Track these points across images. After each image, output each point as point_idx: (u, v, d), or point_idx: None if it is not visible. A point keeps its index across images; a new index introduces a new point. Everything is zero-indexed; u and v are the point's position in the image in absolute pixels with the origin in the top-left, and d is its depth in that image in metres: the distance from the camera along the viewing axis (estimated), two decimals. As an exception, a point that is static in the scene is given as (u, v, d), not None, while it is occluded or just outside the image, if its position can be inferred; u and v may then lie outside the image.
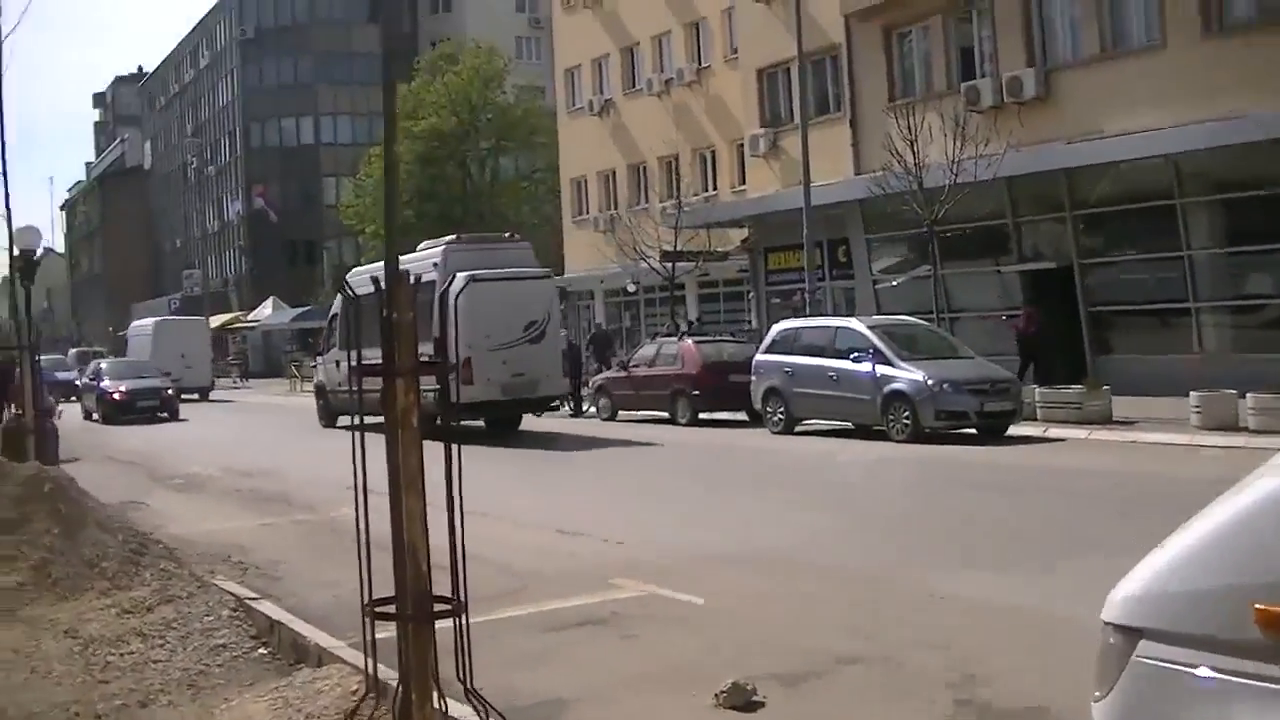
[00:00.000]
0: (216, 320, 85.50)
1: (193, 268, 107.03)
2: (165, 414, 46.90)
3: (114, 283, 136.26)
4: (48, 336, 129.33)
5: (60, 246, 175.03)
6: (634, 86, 56.37)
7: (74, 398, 52.60)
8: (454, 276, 25.35)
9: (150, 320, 70.39)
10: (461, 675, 6.57)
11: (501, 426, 31.91)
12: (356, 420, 6.68)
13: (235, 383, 77.70)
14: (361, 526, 6.53)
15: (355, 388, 6.73)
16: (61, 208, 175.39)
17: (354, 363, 6.73)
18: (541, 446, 30.09)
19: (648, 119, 54.41)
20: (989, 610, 11.25)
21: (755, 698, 8.63)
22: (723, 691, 8.61)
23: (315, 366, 42.04)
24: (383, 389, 6.58)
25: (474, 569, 13.74)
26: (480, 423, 31.56)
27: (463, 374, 23.83)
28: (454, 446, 6.49)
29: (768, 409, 29.72)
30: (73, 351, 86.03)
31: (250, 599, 11.80)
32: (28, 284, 20.83)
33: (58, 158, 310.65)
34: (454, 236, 32.64)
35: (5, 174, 17.70)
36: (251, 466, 26.48)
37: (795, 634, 10.68)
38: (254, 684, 9.54)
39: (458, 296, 23.17)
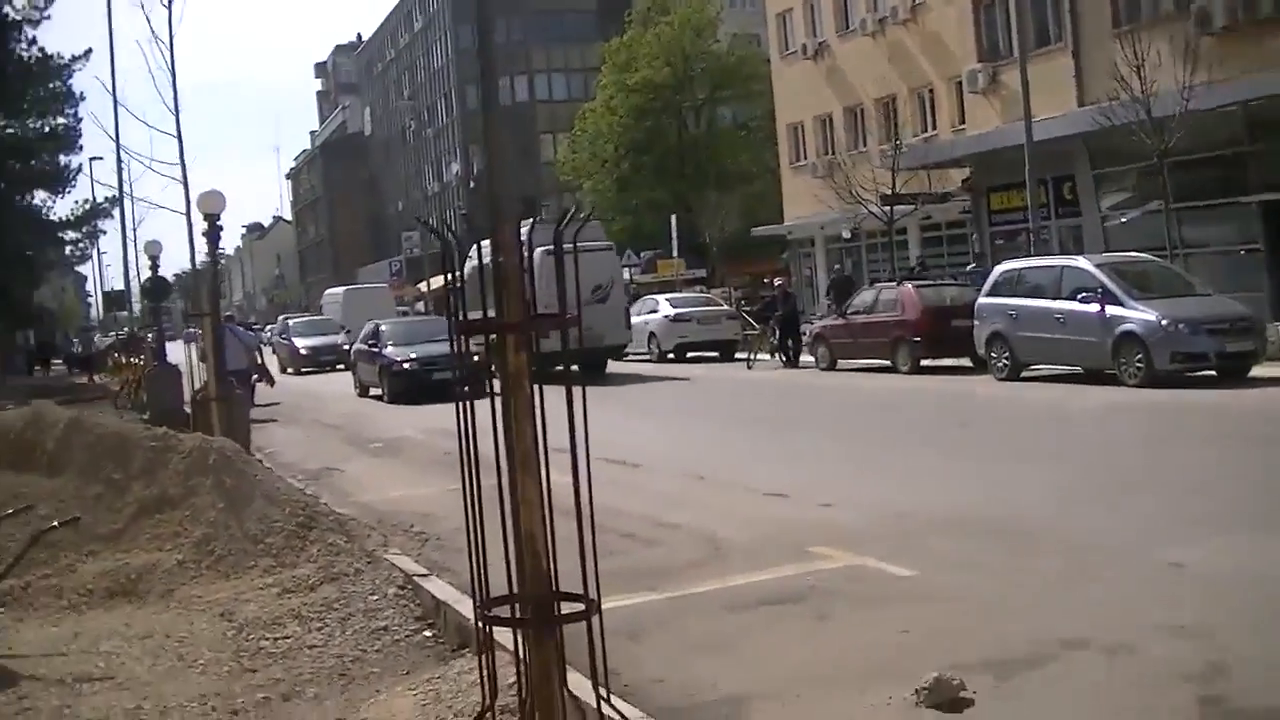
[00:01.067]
0: (437, 281, 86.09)
1: (412, 230, 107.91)
2: (342, 365, 48.86)
3: (339, 248, 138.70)
4: (278, 302, 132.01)
5: (288, 214, 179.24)
6: (847, 27, 54.73)
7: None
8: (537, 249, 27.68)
9: (340, 289, 75.06)
10: (597, 686, 5.54)
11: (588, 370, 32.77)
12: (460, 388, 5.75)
13: None
14: (472, 507, 5.61)
15: (457, 349, 5.83)
16: (288, 176, 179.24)
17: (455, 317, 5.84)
18: (748, 397, 29.19)
19: (863, 60, 52.80)
20: (1239, 584, 9.80)
21: (963, 693, 7.47)
22: (924, 688, 7.43)
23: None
24: (494, 347, 5.70)
25: (666, 535, 13.14)
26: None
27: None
28: (574, 395, 5.51)
29: (991, 355, 28.28)
30: (280, 318, 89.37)
31: (419, 576, 11.00)
32: (215, 250, 20.44)
33: (286, 127, 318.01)
34: (533, 220, 35.75)
35: (180, 137, 17.36)
36: (453, 427, 25.83)
37: (1013, 614, 9.40)
38: (410, 673, 8.76)
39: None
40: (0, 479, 13.08)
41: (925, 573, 10.75)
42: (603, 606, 5.59)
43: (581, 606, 5.53)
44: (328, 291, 78.53)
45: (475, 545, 5.55)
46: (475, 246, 6.14)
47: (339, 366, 50.73)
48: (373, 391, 36.65)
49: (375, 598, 10.48)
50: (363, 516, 15.17)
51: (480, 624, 5.67)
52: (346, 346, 50.07)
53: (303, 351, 56.31)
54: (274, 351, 57.19)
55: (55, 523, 11.11)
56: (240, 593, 10.90)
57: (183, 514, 12.24)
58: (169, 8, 24.79)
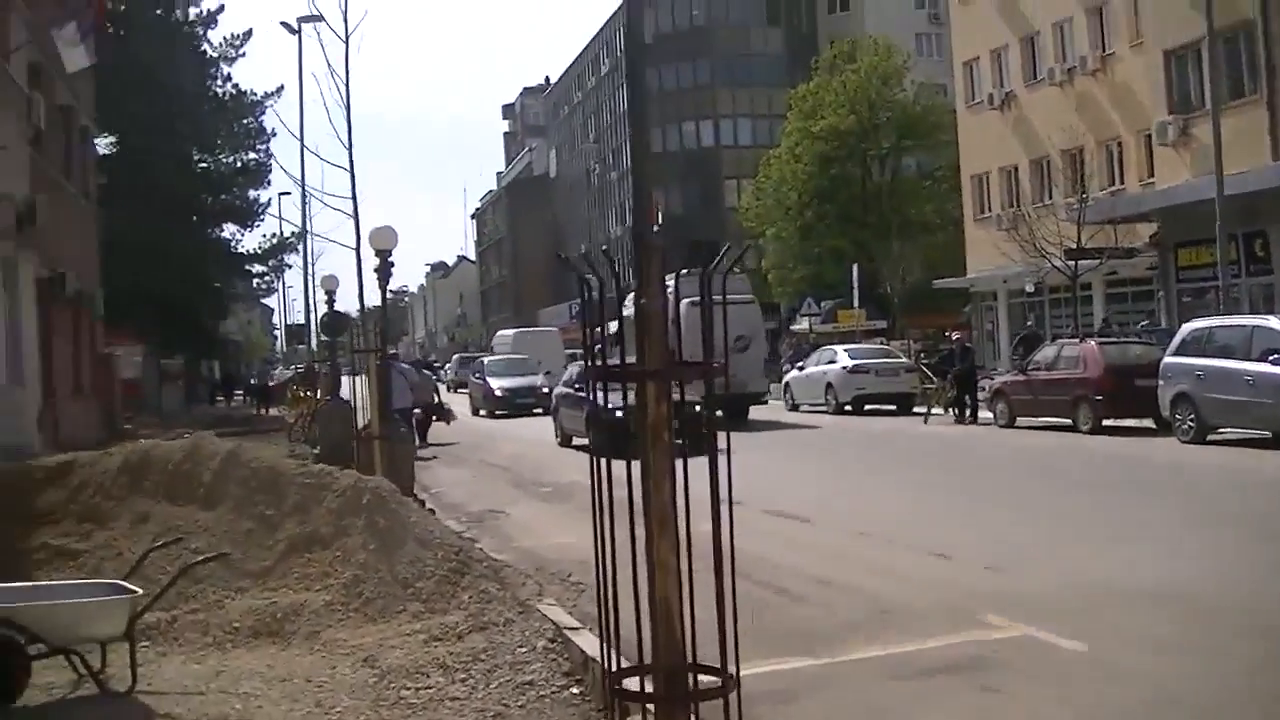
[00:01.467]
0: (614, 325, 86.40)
1: (592, 272, 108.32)
2: (540, 409, 46.87)
3: (521, 288, 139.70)
4: (459, 341, 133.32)
5: (472, 254, 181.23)
6: (1035, 77, 53.82)
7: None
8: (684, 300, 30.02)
9: (510, 331, 77.18)
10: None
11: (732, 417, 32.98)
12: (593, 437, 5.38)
13: None
14: (604, 571, 5.24)
15: (592, 395, 5.48)
16: (473, 216, 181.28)
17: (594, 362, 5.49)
18: (920, 452, 28.53)
19: (1050, 110, 51.74)
20: None
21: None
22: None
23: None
24: (634, 395, 5.33)
25: (824, 593, 12.61)
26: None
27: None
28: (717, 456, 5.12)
29: (1176, 416, 27.23)
30: (456, 357, 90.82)
31: (571, 629, 10.63)
32: (385, 286, 20.34)
33: (471, 168, 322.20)
34: (683, 270, 37.78)
35: (352, 172, 17.30)
36: (622, 473, 25.50)
37: (1197, 699, 8.77)
38: (551, 732, 8.39)
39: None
40: (156, 509, 13.00)
41: (1099, 648, 10.08)
42: (754, 669, 5.21)
43: (719, 680, 5.12)
44: (499, 333, 79.82)
45: (604, 609, 5.18)
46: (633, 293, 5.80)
47: (536, 411, 47.71)
48: (576, 441, 33.40)
49: (524, 650, 10.11)
50: (520, 563, 14.90)
51: (610, 697, 5.29)
52: (546, 390, 48.37)
53: (498, 393, 53.28)
54: (454, 390, 56.54)
55: (202, 558, 10.95)
56: (386, 638, 10.61)
57: (333, 554, 12.03)
58: (346, 42, 24.88)
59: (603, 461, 5.37)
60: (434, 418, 36.84)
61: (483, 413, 53.68)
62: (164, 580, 10.59)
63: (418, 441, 33.71)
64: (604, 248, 30.26)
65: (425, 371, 40.70)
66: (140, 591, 9.43)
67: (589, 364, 5.54)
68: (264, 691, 9.41)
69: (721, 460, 5.21)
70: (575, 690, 9.24)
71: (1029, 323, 51.37)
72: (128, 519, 12.98)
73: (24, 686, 8.94)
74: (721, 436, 5.26)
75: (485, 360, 60.37)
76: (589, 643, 9.96)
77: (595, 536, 5.26)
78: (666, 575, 5.14)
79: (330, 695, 9.28)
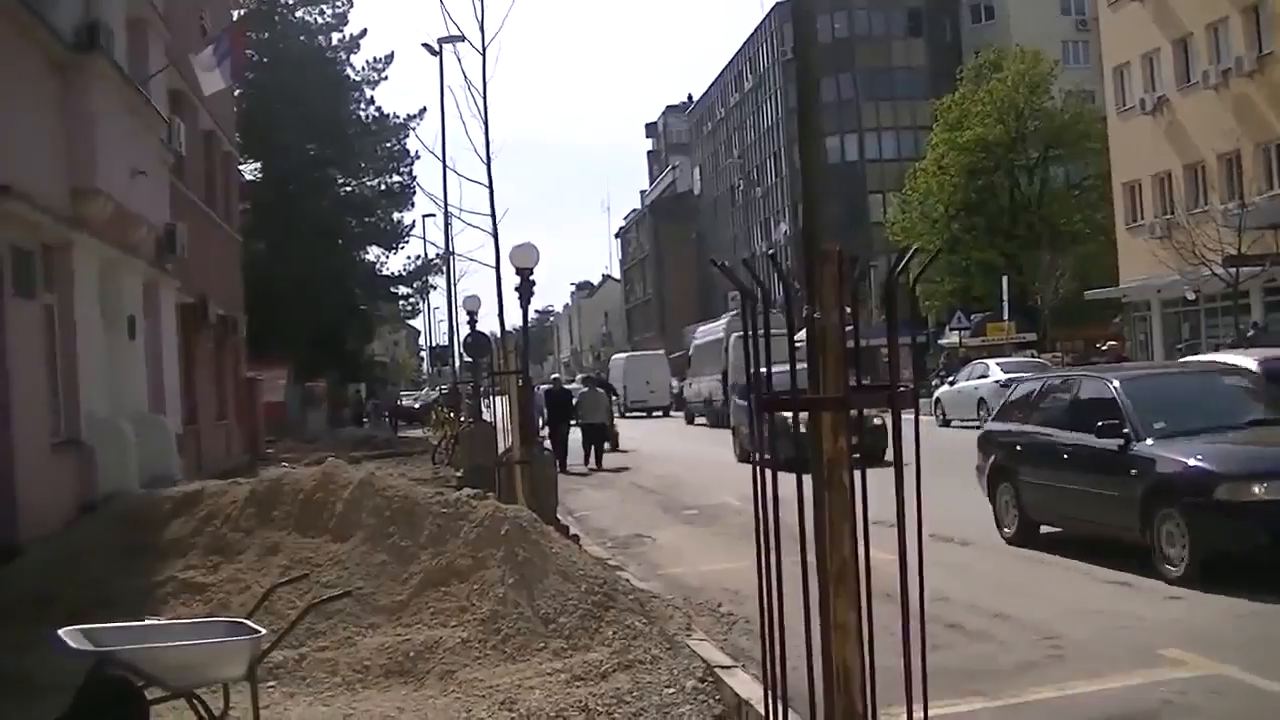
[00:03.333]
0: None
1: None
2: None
3: (666, 307, 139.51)
4: (604, 360, 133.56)
5: (617, 273, 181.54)
6: (1189, 80, 52.31)
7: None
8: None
9: (623, 355, 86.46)
10: None
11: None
12: (766, 475, 4.70)
13: None
14: (768, 624, 4.54)
15: (758, 429, 4.79)
16: (617, 235, 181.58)
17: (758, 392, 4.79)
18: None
19: (1204, 114, 50.26)
20: None
21: None
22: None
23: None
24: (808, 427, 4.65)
25: (996, 628, 11.73)
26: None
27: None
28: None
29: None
30: (579, 376, 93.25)
31: (722, 667, 9.94)
32: (526, 305, 19.85)
33: (615, 187, 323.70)
34: (734, 312, 52.49)
35: (491, 187, 16.76)
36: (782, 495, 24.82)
37: None
38: (698, 784, 7.72)
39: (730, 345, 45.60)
40: (286, 541, 12.52)
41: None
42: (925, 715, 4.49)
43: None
44: (614, 357, 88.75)
45: (770, 678, 4.48)
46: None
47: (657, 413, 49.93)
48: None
49: (671, 690, 9.47)
50: (668, 592, 14.48)
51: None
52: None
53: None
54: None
55: (331, 594, 10.42)
56: (525, 678, 9.98)
57: (470, 588, 11.42)
58: (483, 54, 24.38)
59: (768, 509, 4.67)
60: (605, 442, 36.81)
61: None
62: (292, 615, 10.07)
63: (592, 465, 33.71)
64: (770, 251, 29.58)
65: (599, 390, 39.71)
66: (263, 631, 8.87)
67: (753, 391, 4.85)
68: (394, 737, 8.84)
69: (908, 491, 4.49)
70: (726, 735, 8.58)
71: (1185, 335, 49.97)
72: (256, 551, 12.54)
73: (142, 733, 8.43)
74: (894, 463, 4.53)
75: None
76: (742, 683, 9.34)
77: (760, 571, 4.54)
78: (845, 638, 4.46)
79: (465, 743, 8.68)
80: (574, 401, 37.10)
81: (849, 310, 4.97)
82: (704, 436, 49.01)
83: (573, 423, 36.12)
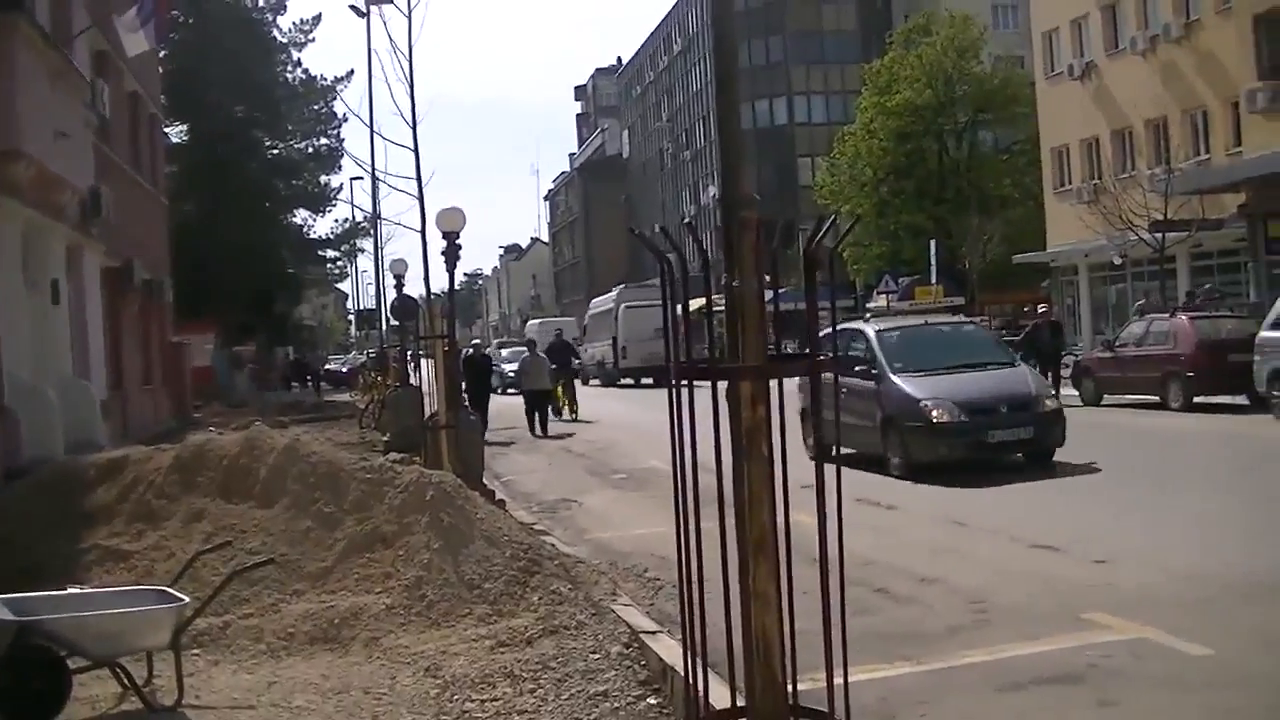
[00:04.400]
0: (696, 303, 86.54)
1: (669, 253, 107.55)
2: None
3: (595, 270, 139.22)
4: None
5: (545, 236, 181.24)
6: (1117, 47, 52.62)
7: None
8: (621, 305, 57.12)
9: (536, 322, 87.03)
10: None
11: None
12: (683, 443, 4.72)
13: None
14: (688, 594, 4.57)
15: (676, 395, 4.80)
16: (546, 198, 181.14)
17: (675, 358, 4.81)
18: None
19: (1132, 80, 50.51)
20: None
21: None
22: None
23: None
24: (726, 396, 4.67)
25: (924, 592, 11.83)
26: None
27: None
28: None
29: (1274, 393, 26.20)
30: (494, 342, 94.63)
31: (647, 633, 9.97)
32: (453, 269, 19.74)
33: (544, 149, 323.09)
34: (623, 284, 64.93)
35: (417, 151, 16.72)
36: (709, 459, 24.85)
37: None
38: (626, 750, 7.76)
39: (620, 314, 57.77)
40: (211, 508, 12.47)
41: (1226, 651, 9.28)
42: (851, 678, 4.55)
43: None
44: (529, 324, 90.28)
45: (690, 647, 4.50)
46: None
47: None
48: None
49: (597, 656, 9.48)
50: (594, 557, 14.49)
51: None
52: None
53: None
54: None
55: (255, 560, 10.41)
56: (450, 644, 9.99)
57: (396, 554, 11.42)
58: (409, 16, 24.29)
59: (687, 473, 4.69)
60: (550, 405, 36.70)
61: None
62: (217, 582, 10.08)
63: (540, 432, 33.65)
64: (686, 221, 29.61)
65: (540, 355, 38.74)
66: (186, 600, 8.87)
67: (671, 358, 4.85)
68: (318, 705, 8.86)
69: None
70: (652, 701, 8.62)
71: (1140, 299, 50.31)
72: (180, 518, 12.49)
73: (65, 703, 8.39)
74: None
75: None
76: (667, 649, 9.35)
77: (678, 540, 4.57)
78: (765, 608, 4.48)
79: (389, 710, 8.71)
80: (517, 368, 37.35)
81: (769, 278, 4.99)
82: (635, 399, 49.08)
83: (507, 391, 36.15)
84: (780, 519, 4.84)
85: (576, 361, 47.45)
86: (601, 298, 75.74)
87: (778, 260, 5.17)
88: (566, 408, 39.36)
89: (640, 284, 67.31)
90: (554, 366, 38.83)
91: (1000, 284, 66.46)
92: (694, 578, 4.84)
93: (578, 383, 44.18)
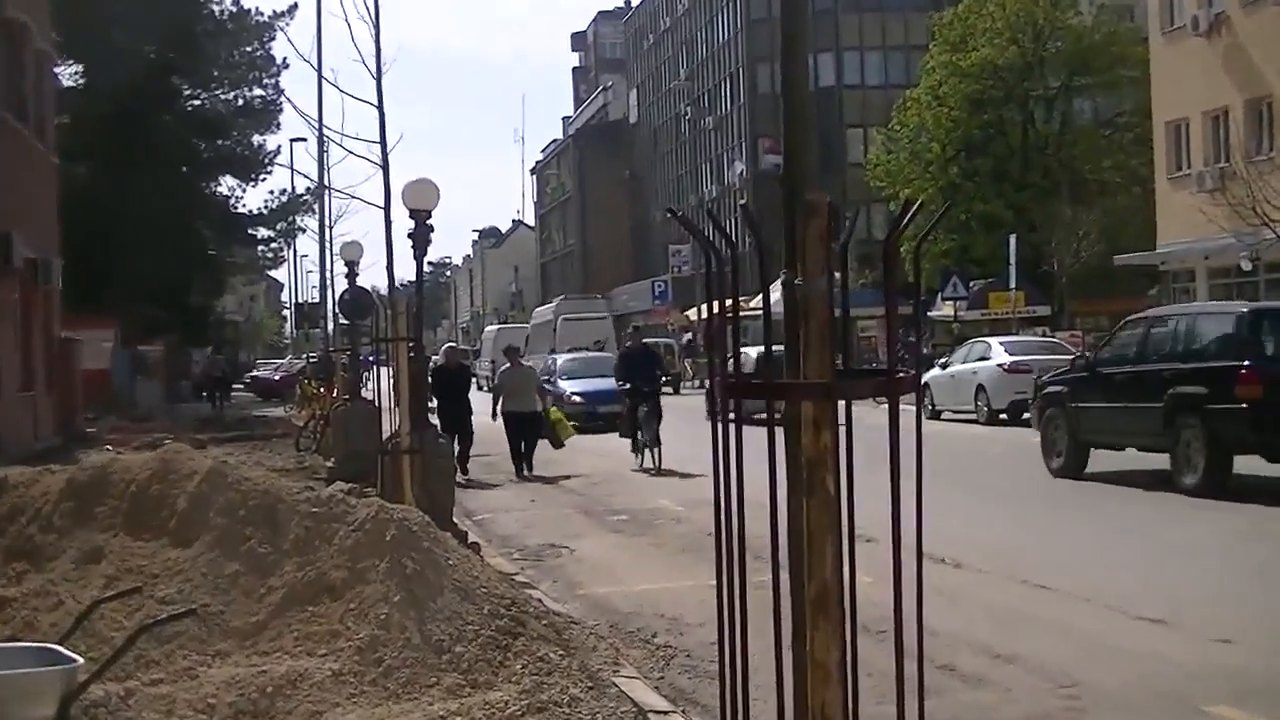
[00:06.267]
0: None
1: (682, 242, 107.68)
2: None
3: (592, 261, 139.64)
4: (513, 325, 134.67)
5: (530, 218, 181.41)
6: (1255, -7, 52.69)
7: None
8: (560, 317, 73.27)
9: (494, 328, 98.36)
10: None
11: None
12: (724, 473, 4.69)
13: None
14: (730, 665, 4.52)
15: (722, 417, 4.78)
16: (532, 172, 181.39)
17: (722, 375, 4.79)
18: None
19: (1274, 37, 50.50)
20: None
21: None
22: None
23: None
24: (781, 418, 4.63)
25: (999, 672, 11.80)
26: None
27: None
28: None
29: None
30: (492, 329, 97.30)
31: (658, 713, 9.98)
32: (422, 255, 19.76)
33: (533, 112, 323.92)
34: (563, 296, 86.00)
35: (381, 107, 16.68)
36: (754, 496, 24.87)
37: None
38: None
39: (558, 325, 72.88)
40: (113, 545, 12.42)
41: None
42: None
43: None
44: (486, 330, 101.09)
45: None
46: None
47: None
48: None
49: (597, 740, 9.49)
50: (590, 618, 14.57)
51: None
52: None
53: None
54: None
55: (170, 612, 10.34)
56: (412, 722, 9.97)
57: (346, 607, 11.33)
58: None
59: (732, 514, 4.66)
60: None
61: None
62: (119, 639, 10.03)
63: (526, 470, 32.00)
64: (709, 209, 29.34)
65: (527, 365, 36.82)
66: (79, 661, 8.80)
67: (716, 372, 4.82)
68: (240, 805, 8.81)
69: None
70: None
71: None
72: (73, 557, 12.41)
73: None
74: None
75: (560, 360, 57.15)
76: (682, 732, 9.33)
77: (719, 590, 4.52)
78: (827, 680, 4.42)
79: (332, 808, 8.66)
80: (495, 383, 35.93)
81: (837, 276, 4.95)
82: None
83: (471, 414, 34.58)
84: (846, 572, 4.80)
85: (664, 378, 44.74)
86: (543, 308, 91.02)
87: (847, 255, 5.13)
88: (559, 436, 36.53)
89: (581, 296, 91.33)
90: (625, 385, 34.29)
91: (1096, 291, 66.51)
92: (737, 644, 4.81)
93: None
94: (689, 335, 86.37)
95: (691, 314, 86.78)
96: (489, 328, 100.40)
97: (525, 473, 32.20)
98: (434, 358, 37.38)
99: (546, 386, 41.55)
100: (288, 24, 65.31)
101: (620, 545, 21.22)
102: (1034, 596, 15.49)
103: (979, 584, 16.24)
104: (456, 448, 28.93)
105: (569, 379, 51.90)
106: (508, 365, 35.82)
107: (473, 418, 32.30)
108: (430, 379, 29.33)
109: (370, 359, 29.50)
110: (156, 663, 10.88)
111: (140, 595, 11.22)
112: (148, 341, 63.46)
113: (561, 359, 56.75)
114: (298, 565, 11.81)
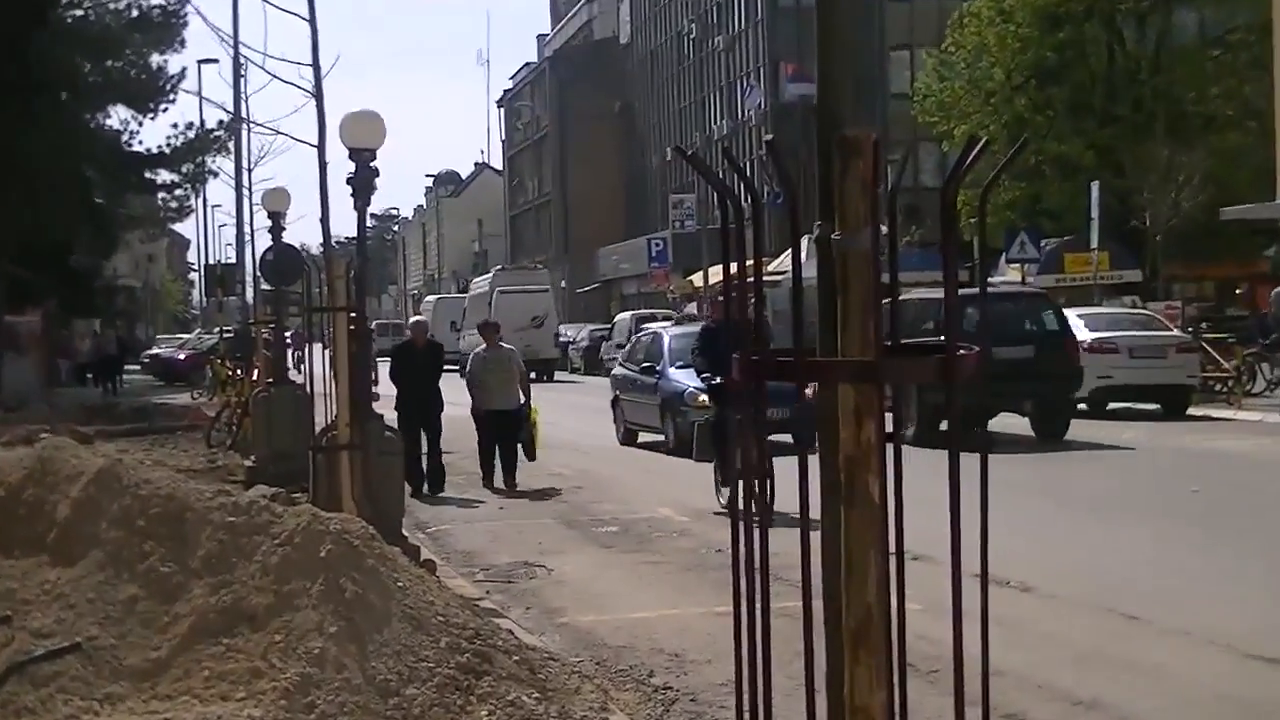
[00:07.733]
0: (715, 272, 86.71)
1: (685, 191, 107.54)
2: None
3: (574, 214, 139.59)
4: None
5: (497, 160, 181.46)
6: None
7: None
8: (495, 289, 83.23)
9: (433, 297, 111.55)
10: None
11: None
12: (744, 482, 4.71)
13: None
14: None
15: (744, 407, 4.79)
16: (499, 103, 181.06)
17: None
18: (1213, 480, 27.48)
19: None
20: None
21: None
22: None
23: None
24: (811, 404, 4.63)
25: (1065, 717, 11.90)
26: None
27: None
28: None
29: None
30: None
31: (656, 776, 10.05)
32: (364, 206, 19.79)
33: (500, 30, 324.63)
34: (500, 266, 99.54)
35: (314, 20, 16.65)
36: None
37: None
38: None
39: (493, 299, 79.50)
40: (-24, 563, 12.44)
41: None
42: None
43: None
44: (424, 300, 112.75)
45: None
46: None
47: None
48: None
49: (579, 809, 9.57)
50: (572, 652, 14.72)
51: None
52: None
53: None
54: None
55: (45, 648, 10.35)
56: (351, 786, 10.03)
57: (270, 640, 11.37)
58: None
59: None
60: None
61: None
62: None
63: (506, 483, 30.57)
64: (769, 137, 28.73)
65: (506, 348, 34.11)
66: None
67: (728, 343, 4.81)
68: None
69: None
70: None
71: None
72: (-75, 579, 12.45)
73: None
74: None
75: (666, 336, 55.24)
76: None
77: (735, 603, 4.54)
78: (865, 688, 4.43)
79: None
80: (466, 371, 33.95)
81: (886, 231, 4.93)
82: (586, 406, 49.62)
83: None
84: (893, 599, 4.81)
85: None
86: (480, 278, 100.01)
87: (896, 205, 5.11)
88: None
89: (518, 267, 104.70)
90: (712, 380, 27.77)
91: (1198, 251, 66.42)
92: (757, 686, 4.82)
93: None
94: (693, 305, 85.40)
95: (697, 279, 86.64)
96: (427, 298, 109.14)
97: (507, 484, 30.75)
98: (406, 331, 37.12)
99: (649, 380, 40.01)
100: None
101: (610, 563, 21.43)
102: (1122, 630, 15.54)
103: (1053, 613, 16.31)
104: (424, 450, 28.64)
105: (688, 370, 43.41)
106: (482, 346, 33.46)
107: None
108: (392, 361, 29.19)
109: (300, 334, 29.49)
110: (32, 710, 10.91)
111: (9, 626, 11.24)
112: (19, 311, 63.32)
113: (669, 336, 43.12)
114: (210, 588, 11.85)
